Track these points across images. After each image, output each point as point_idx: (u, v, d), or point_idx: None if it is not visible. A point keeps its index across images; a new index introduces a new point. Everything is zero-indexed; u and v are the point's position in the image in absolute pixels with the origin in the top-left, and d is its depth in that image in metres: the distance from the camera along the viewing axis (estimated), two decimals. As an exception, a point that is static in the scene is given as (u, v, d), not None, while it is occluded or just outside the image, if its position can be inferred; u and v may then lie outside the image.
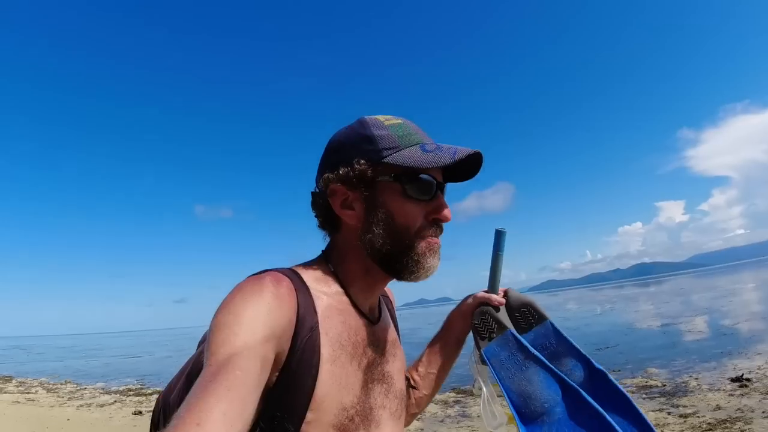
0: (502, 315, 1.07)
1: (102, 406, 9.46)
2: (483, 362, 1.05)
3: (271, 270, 0.81)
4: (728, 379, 7.20)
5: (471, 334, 1.10)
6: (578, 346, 1.04)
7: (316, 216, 0.92)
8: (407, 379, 1.08)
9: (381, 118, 0.88)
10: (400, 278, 0.88)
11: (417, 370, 1.13)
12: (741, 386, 6.69)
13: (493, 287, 1.11)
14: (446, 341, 1.14)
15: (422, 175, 0.83)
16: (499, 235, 1.08)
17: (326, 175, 0.86)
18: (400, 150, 0.83)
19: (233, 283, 0.82)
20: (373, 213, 0.84)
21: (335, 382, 0.78)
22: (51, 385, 13.32)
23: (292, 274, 0.82)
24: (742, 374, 7.20)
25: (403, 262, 0.84)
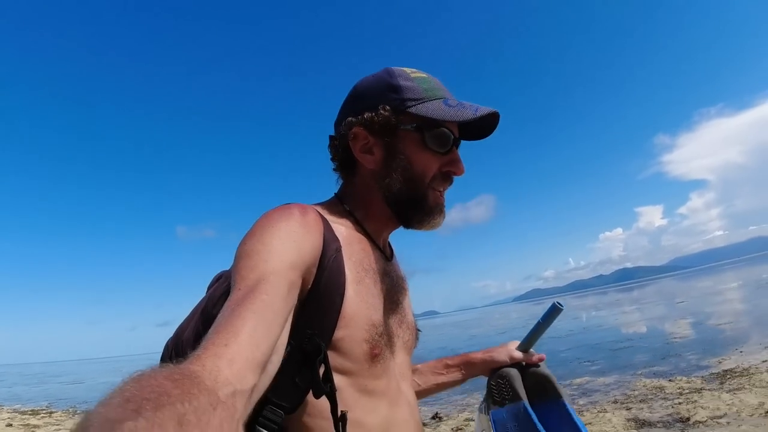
0: (518, 383, 1.07)
1: (-6, 421, 10.65)
2: (487, 412, 1.07)
3: (294, 203, 0.84)
4: (430, 416, 6.62)
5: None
6: None
7: (332, 159, 0.96)
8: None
9: (407, 70, 0.91)
10: (408, 225, 0.94)
11: (418, 368, 1.18)
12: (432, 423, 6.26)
13: (526, 349, 1.14)
14: (457, 371, 1.18)
15: (442, 128, 0.87)
16: (555, 311, 1.09)
17: (349, 119, 0.90)
18: (424, 102, 0.87)
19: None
20: (393, 159, 0.88)
21: (362, 300, 0.82)
22: (-25, 406, 14.36)
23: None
24: (437, 412, 6.80)
25: (415, 209, 0.90)
